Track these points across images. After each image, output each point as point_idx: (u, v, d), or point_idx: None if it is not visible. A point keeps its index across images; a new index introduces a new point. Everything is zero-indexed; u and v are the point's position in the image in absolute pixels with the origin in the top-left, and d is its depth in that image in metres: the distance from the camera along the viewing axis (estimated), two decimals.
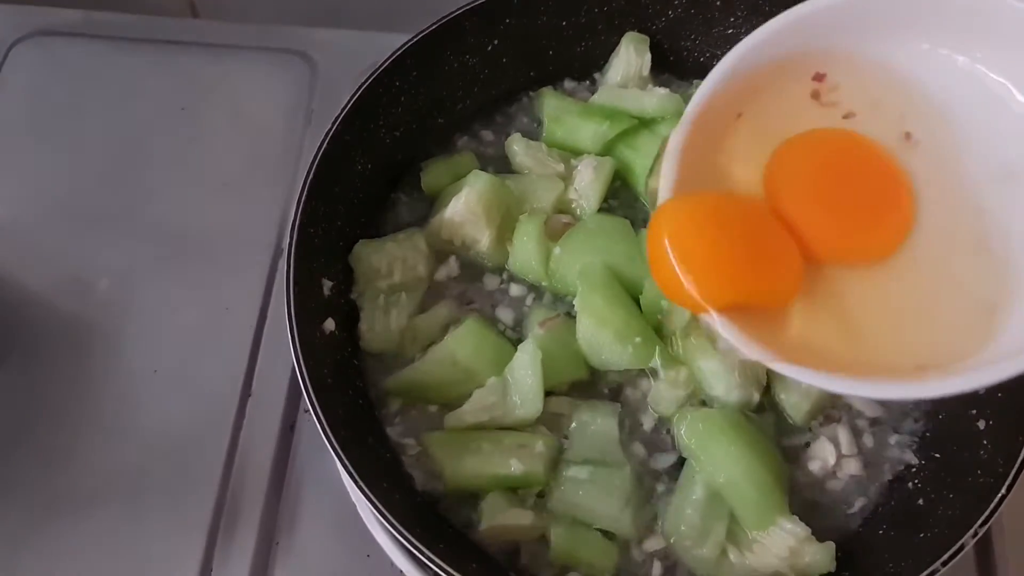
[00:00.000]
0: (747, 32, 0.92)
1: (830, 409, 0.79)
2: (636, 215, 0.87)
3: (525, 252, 0.82)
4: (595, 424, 0.76)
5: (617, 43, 0.94)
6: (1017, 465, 0.69)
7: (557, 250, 0.82)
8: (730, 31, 0.93)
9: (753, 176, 0.70)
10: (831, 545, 0.72)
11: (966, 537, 0.67)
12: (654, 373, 0.79)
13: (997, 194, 0.65)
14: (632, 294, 0.80)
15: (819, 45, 0.68)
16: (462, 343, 0.78)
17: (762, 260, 0.65)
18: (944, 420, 0.79)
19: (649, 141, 0.88)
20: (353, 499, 0.83)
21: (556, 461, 0.76)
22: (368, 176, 0.86)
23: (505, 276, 0.85)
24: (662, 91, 0.90)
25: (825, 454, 0.77)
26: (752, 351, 0.62)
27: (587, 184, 0.86)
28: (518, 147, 0.89)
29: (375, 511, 0.67)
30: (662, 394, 0.78)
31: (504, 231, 0.85)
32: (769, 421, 0.78)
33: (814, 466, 0.77)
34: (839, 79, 0.70)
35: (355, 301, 0.83)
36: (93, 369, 0.92)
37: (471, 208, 0.83)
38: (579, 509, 0.73)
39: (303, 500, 0.86)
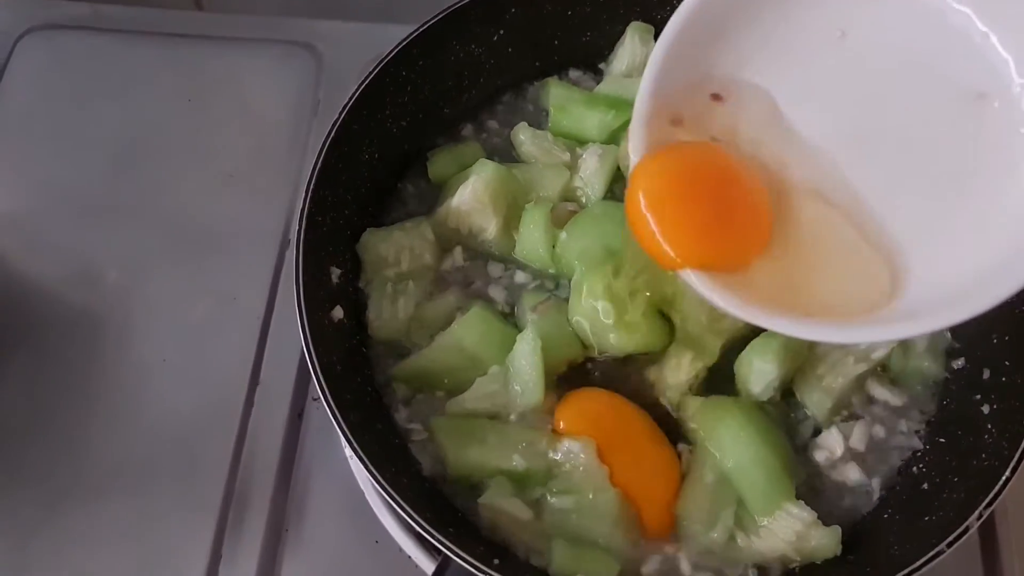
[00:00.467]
0: None
1: (852, 406, 0.79)
2: None
3: (531, 239, 0.83)
4: (575, 458, 0.74)
5: (622, 33, 0.94)
6: (1021, 448, 0.69)
7: (563, 235, 0.82)
8: None
9: None
10: (837, 529, 0.72)
11: (971, 519, 0.67)
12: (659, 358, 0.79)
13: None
14: None
15: None
16: (469, 330, 0.78)
17: (734, 217, 0.67)
18: (949, 405, 0.79)
19: None
20: (361, 485, 0.84)
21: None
22: (375, 165, 0.87)
23: (510, 264, 0.86)
24: None
25: (832, 444, 0.78)
26: (726, 302, 0.62)
27: (592, 172, 0.87)
28: (524, 136, 0.90)
29: (385, 494, 0.68)
30: (668, 380, 0.78)
31: (511, 219, 0.85)
32: (777, 409, 0.79)
33: (821, 455, 0.78)
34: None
35: (363, 289, 0.84)
36: (102, 359, 0.93)
37: (478, 197, 0.83)
38: (571, 532, 0.73)
39: (311, 487, 0.87)
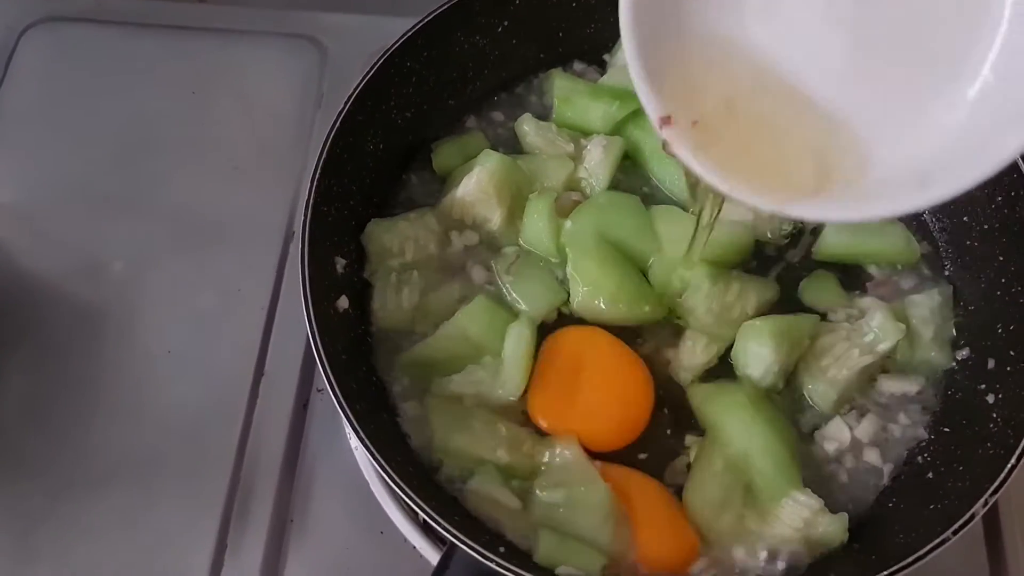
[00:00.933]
0: None
1: (857, 397, 0.80)
2: (645, 192, 0.88)
3: (536, 229, 0.83)
4: (561, 455, 0.75)
5: None
6: None
7: (568, 224, 0.82)
8: None
9: None
10: (844, 516, 0.73)
11: (976, 507, 0.67)
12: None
13: None
14: (641, 268, 0.82)
15: None
16: (473, 319, 0.79)
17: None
18: (954, 395, 0.80)
19: None
20: (366, 476, 0.84)
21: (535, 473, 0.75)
22: (380, 156, 0.87)
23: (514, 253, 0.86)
24: None
25: (838, 434, 0.78)
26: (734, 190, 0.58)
27: (597, 163, 0.87)
28: (528, 127, 0.90)
29: (391, 483, 0.68)
30: (683, 362, 0.79)
31: (515, 210, 0.85)
32: (785, 399, 0.79)
33: (826, 445, 0.78)
34: None
35: (367, 279, 0.84)
36: (107, 351, 0.93)
37: (482, 187, 0.83)
38: (559, 525, 0.73)
39: (316, 478, 0.87)
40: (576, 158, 0.88)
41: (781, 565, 0.73)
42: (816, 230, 0.86)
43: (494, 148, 0.88)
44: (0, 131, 1.06)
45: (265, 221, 0.99)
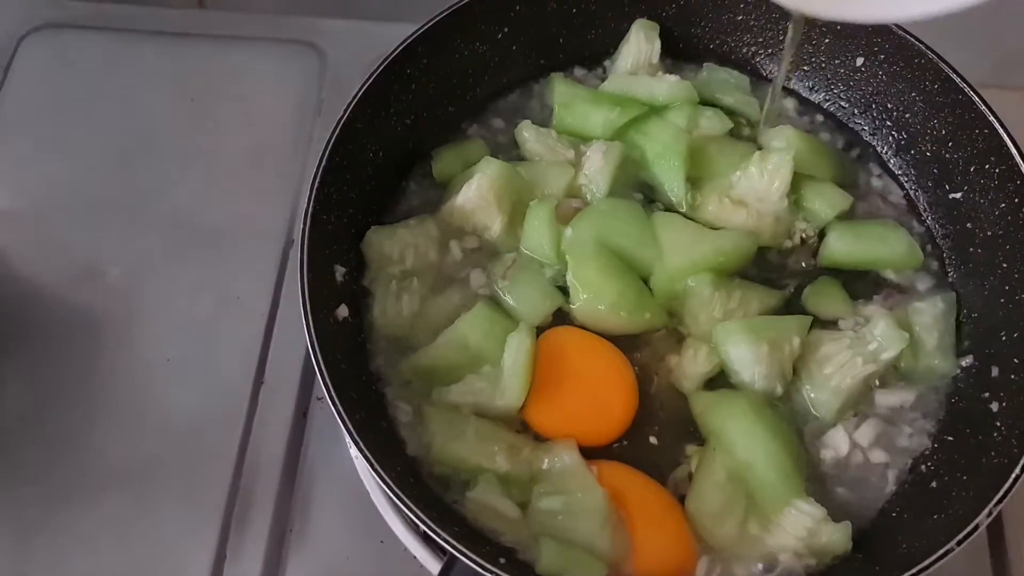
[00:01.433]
0: (757, 19, 0.94)
1: (860, 405, 0.79)
2: (646, 199, 0.88)
3: (536, 236, 0.83)
4: (560, 460, 0.75)
5: (627, 30, 0.94)
6: None
7: (568, 232, 0.82)
8: (740, 17, 0.94)
9: None
10: (847, 525, 0.72)
11: (980, 517, 0.67)
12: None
13: None
14: (642, 275, 0.82)
15: None
16: (473, 327, 0.78)
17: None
18: (958, 404, 0.79)
19: (659, 128, 0.88)
20: (367, 485, 0.84)
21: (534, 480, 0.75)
22: (379, 163, 0.86)
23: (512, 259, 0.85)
24: (672, 78, 0.91)
25: (840, 443, 0.77)
26: None
27: (597, 170, 0.86)
28: (528, 134, 0.90)
29: (390, 493, 0.67)
30: (686, 370, 0.79)
31: (515, 217, 0.85)
32: (787, 407, 0.79)
33: (828, 454, 0.77)
34: None
35: (367, 287, 0.83)
36: (105, 358, 0.92)
37: (482, 194, 0.83)
38: (559, 533, 0.72)
39: (316, 487, 0.86)
40: (576, 164, 0.88)
41: (783, 574, 0.72)
42: (821, 235, 0.86)
43: (494, 155, 0.88)
44: None
45: (264, 228, 0.99)
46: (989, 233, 0.82)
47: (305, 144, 1.04)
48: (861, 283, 0.85)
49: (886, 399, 0.80)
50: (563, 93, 0.92)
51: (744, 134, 0.92)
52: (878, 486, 0.77)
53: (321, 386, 0.71)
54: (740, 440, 0.74)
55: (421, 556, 0.80)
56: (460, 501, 0.75)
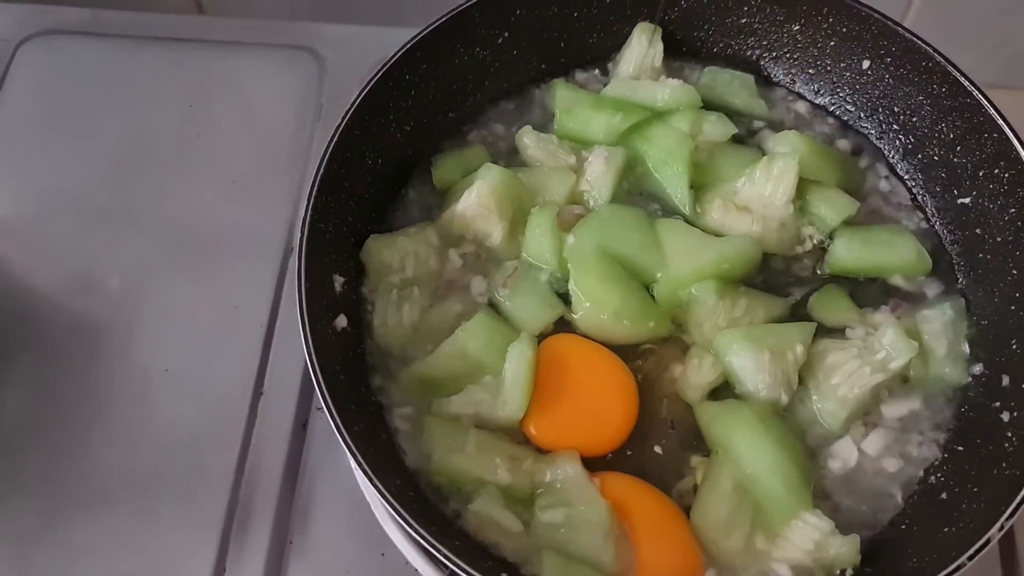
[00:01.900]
0: (761, 21, 0.93)
1: (868, 415, 0.78)
2: (649, 205, 0.87)
3: (538, 244, 0.82)
4: (562, 472, 0.74)
5: (629, 34, 0.93)
6: None
7: (571, 239, 0.81)
8: (743, 20, 0.92)
9: None
10: (856, 538, 0.71)
11: (992, 531, 0.66)
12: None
13: None
14: (645, 282, 0.81)
15: None
16: (473, 336, 0.77)
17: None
18: (968, 413, 0.78)
19: (662, 132, 0.87)
20: (367, 497, 0.83)
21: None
22: (378, 171, 0.85)
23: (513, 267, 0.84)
24: (675, 82, 0.90)
25: (848, 454, 0.76)
26: None
27: (599, 176, 0.85)
28: (529, 140, 0.89)
29: (389, 508, 0.66)
30: (690, 380, 0.78)
31: (517, 224, 0.84)
32: (794, 418, 0.78)
33: (835, 465, 0.76)
34: None
35: (366, 297, 0.82)
36: (104, 368, 0.92)
37: (483, 202, 0.82)
38: (561, 546, 0.71)
39: (316, 498, 0.85)
40: (578, 170, 0.87)
41: None
42: (828, 240, 0.85)
43: (495, 161, 0.87)
44: None
45: (264, 236, 0.98)
46: (999, 239, 0.81)
47: (305, 150, 1.03)
48: (869, 290, 0.84)
49: (895, 409, 0.78)
50: (565, 98, 0.91)
51: (752, 136, 0.91)
52: (887, 497, 0.76)
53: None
54: (746, 451, 0.73)
55: (423, 569, 0.79)
56: (461, 514, 0.74)
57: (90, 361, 0.92)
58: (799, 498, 0.72)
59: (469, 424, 0.76)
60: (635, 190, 0.88)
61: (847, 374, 0.76)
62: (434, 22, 0.85)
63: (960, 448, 0.76)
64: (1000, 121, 0.80)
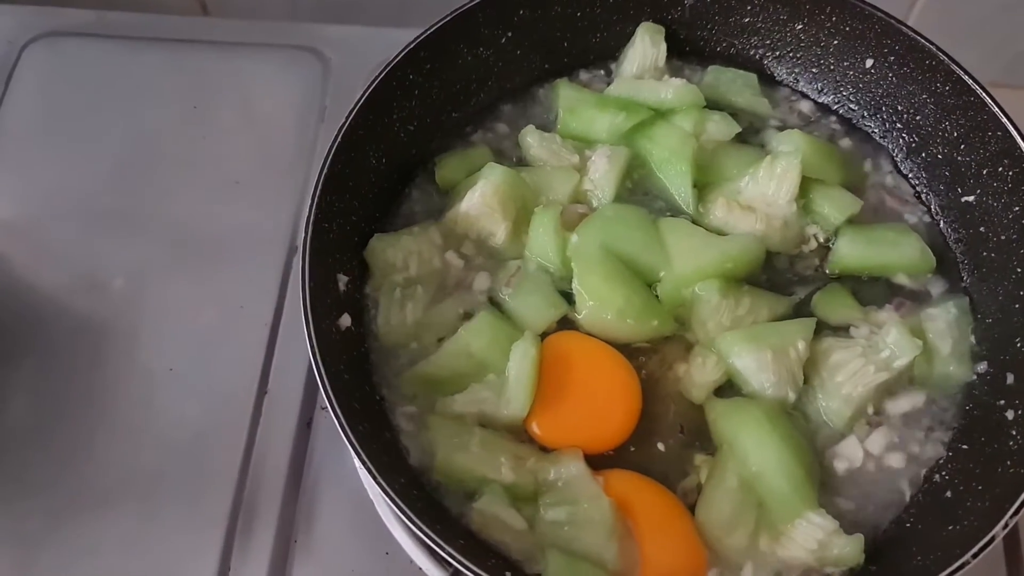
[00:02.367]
0: (764, 20, 0.93)
1: (872, 414, 0.78)
2: (652, 204, 0.87)
3: (541, 243, 0.82)
4: (566, 471, 0.74)
5: (632, 33, 0.93)
6: None
7: (574, 238, 0.81)
8: (747, 19, 0.92)
9: None
10: (860, 537, 0.71)
11: (997, 529, 0.65)
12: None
13: None
14: (649, 281, 0.81)
15: None
16: (477, 335, 0.78)
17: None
18: (972, 411, 0.78)
19: (666, 132, 0.87)
20: (371, 496, 0.83)
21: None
22: (382, 171, 0.85)
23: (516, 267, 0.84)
24: (678, 82, 0.90)
25: (852, 452, 0.76)
26: None
27: (602, 175, 0.86)
28: (532, 139, 0.89)
29: (394, 507, 0.66)
30: (694, 379, 0.78)
31: (520, 223, 0.84)
32: (801, 416, 0.78)
33: (840, 463, 0.76)
34: None
35: (370, 296, 0.83)
36: (109, 368, 0.92)
37: (487, 201, 0.82)
38: (565, 544, 0.71)
39: (321, 497, 0.85)
40: (581, 170, 0.87)
41: None
42: (831, 239, 0.85)
43: (498, 161, 0.87)
44: (1, 146, 1.05)
45: (268, 236, 0.98)
46: (1003, 237, 0.81)
47: (309, 151, 1.03)
48: (873, 289, 0.84)
49: (899, 407, 0.78)
50: (568, 97, 0.91)
51: (755, 135, 0.91)
52: (891, 496, 0.76)
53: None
54: (753, 449, 0.73)
55: (427, 568, 0.79)
56: (465, 513, 0.74)
57: (95, 362, 0.92)
58: (804, 497, 0.72)
59: (473, 423, 0.76)
60: (638, 189, 0.88)
61: (851, 372, 0.76)
62: (437, 22, 0.85)
63: (964, 446, 0.76)
64: (1004, 119, 0.79)
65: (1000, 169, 0.80)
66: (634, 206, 0.85)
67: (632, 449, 0.77)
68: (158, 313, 0.94)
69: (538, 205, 0.84)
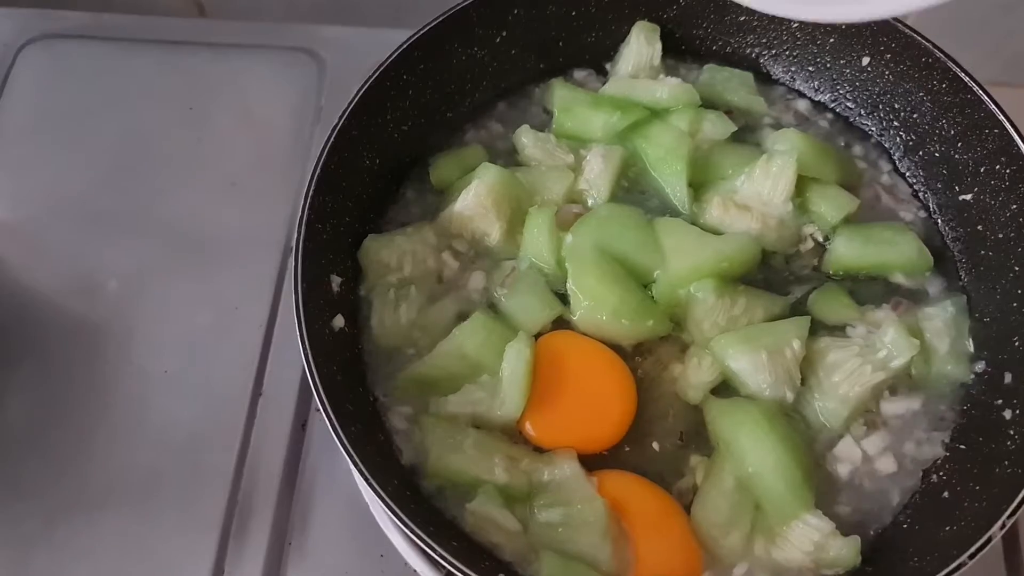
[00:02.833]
0: (760, 19, 0.92)
1: (869, 414, 0.78)
2: (648, 204, 0.86)
3: (536, 243, 0.82)
4: (559, 472, 0.74)
5: (627, 32, 0.93)
6: None
7: (569, 238, 0.81)
8: (742, 18, 0.92)
9: None
10: (856, 539, 0.71)
11: (994, 529, 0.65)
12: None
13: None
14: (644, 281, 0.81)
15: None
16: (471, 335, 0.77)
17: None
18: (970, 411, 0.77)
19: (661, 131, 0.87)
20: (366, 498, 0.82)
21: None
22: (376, 171, 0.85)
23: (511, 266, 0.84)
24: (674, 81, 0.90)
25: (849, 453, 0.76)
26: None
27: (597, 174, 0.85)
28: (527, 139, 0.88)
29: (387, 509, 0.66)
30: (690, 379, 0.77)
31: (515, 223, 0.84)
32: (799, 418, 0.77)
33: (837, 465, 0.76)
34: None
35: (364, 297, 0.82)
36: (103, 370, 0.92)
37: (481, 201, 0.82)
38: (559, 545, 0.71)
39: (316, 499, 0.85)
40: (576, 169, 0.87)
41: None
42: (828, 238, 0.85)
43: (493, 161, 0.87)
44: None
45: (263, 237, 0.98)
46: (1000, 235, 0.80)
47: (304, 152, 1.03)
48: (870, 288, 0.83)
49: (896, 407, 0.78)
50: (563, 97, 0.90)
51: (751, 134, 0.91)
52: (888, 496, 0.75)
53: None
54: (750, 449, 0.73)
55: (422, 570, 0.78)
56: (459, 514, 0.74)
57: (90, 363, 0.92)
58: (800, 498, 0.72)
59: (467, 424, 0.76)
60: (634, 189, 0.88)
61: (848, 372, 0.76)
62: (431, 22, 0.85)
63: (962, 446, 0.76)
64: (1001, 117, 0.79)
65: (997, 167, 0.80)
66: (629, 206, 0.85)
67: (627, 449, 0.77)
68: (153, 314, 0.94)
69: (533, 205, 0.84)
